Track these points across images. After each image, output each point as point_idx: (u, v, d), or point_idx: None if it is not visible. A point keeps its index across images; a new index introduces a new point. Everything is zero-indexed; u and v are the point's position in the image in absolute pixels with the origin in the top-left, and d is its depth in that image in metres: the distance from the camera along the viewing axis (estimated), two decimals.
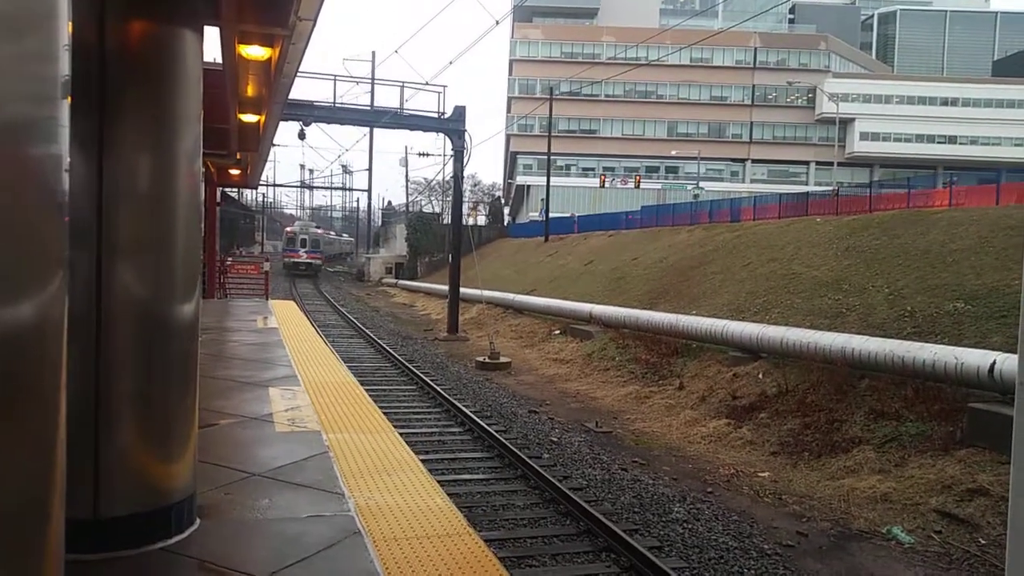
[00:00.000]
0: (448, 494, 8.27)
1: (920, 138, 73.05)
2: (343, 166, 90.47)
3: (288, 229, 55.30)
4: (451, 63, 18.62)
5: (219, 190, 20.98)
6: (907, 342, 11.40)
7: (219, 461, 5.12)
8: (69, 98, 1.52)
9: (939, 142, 72.98)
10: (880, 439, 10.17)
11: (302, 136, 26.30)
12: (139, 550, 3.64)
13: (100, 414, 3.61)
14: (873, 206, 24.52)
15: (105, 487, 3.61)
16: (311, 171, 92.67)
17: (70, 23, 1.49)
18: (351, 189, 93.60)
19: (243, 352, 10.21)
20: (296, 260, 47.81)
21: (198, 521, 4.03)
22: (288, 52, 5.33)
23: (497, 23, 16.11)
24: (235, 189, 46.68)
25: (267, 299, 20.64)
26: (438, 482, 8.68)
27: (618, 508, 8.74)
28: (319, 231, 59.92)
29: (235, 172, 15.62)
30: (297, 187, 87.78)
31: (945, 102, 73.33)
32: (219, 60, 5.93)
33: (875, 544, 7.90)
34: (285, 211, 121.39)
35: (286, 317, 15.86)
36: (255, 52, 5.51)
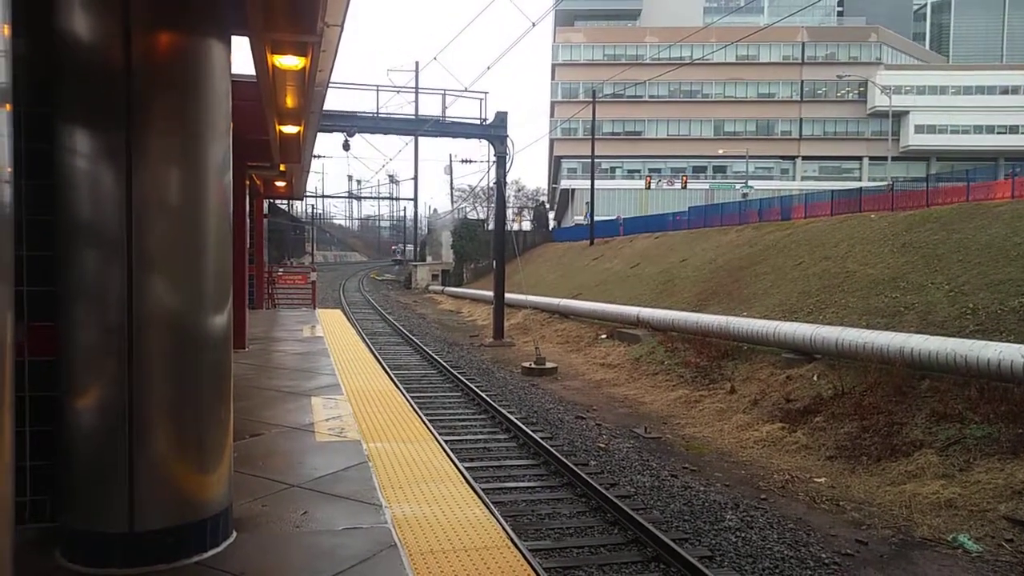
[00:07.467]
0: (493, 503, 8.21)
1: (979, 129, 70.50)
2: (390, 176, 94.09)
3: (393, 247, 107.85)
4: (489, 68, 18.52)
5: (266, 202, 21.27)
6: (969, 340, 10.91)
7: (259, 472, 5.11)
8: (8, 106, 1.42)
9: (999, 132, 70.35)
10: (943, 442, 9.74)
11: (346, 147, 26.62)
12: (174, 564, 3.60)
13: (133, 425, 3.59)
14: (930, 200, 23.67)
15: (139, 500, 3.59)
16: (358, 182, 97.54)
17: (6, 26, 1.39)
18: (397, 199, 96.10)
19: (288, 362, 10.28)
20: (394, 259, 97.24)
21: (234, 534, 3.99)
22: (319, 60, 5.30)
23: (534, 25, 16.00)
24: (284, 201, 48.12)
25: (314, 308, 20.86)
26: (483, 491, 8.64)
27: (667, 516, 8.52)
28: (402, 246, 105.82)
29: (281, 184, 15.79)
30: (345, 198, 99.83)
31: (1005, 91, 70.67)
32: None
33: (940, 553, 7.53)
34: (334, 221, 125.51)
35: (332, 326, 15.99)
36: (289, 62, 5.49)
